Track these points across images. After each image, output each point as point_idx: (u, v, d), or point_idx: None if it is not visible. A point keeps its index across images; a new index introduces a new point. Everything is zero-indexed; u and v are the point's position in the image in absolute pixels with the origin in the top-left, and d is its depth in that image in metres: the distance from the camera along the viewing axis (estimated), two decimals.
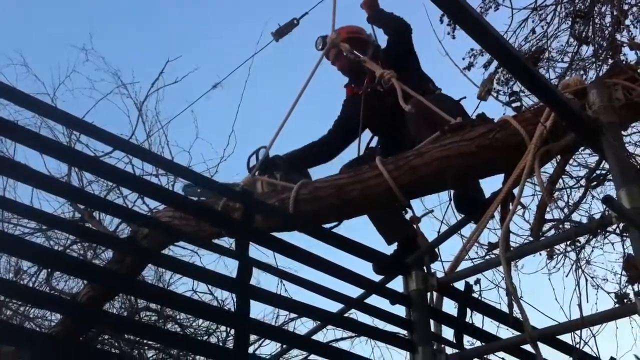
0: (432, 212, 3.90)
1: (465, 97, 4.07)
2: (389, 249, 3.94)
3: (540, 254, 3.78)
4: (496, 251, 3.16)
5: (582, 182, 4.85)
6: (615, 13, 6.62)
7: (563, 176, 3.79)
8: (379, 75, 3.95)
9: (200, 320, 6.30)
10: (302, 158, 4.22)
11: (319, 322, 3.64)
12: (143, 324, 4.64)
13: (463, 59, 6.68)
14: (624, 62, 6.30)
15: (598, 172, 3.62)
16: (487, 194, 3.52)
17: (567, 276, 4.01)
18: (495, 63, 6.65)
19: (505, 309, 2.99)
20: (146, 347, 5.98)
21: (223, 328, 6.30)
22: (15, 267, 5.96)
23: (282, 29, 4.13)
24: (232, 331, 6.23)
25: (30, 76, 6.71)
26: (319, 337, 3.45)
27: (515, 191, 3.04)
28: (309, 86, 3.96)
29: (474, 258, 4.53)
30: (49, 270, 5.36)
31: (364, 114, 4.10)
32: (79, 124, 2.64)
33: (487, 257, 4.53)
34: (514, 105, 3.03)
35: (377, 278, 3.45)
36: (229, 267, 5.83)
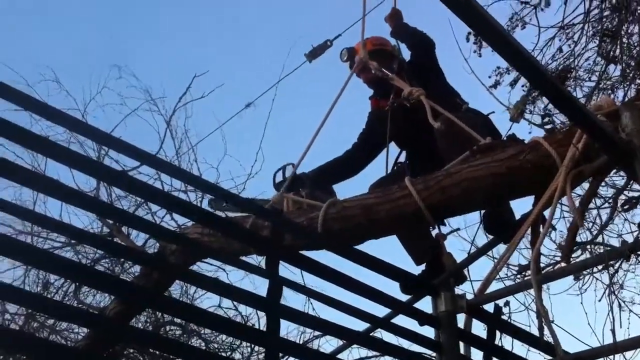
0: (458, 230, 3.89)
1: (493, 112, 4.05)
2: (417, 269, 3.94)
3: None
4: (527, 273, 3.14)
5: (610, 202, 4.83)
6: None
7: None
8: (407, 92, 3.95)
9: (224, 336, 6.31)
10: (328, 174, 4.23)
11: (344, 341, 3.63)
12: (168, 339, 4.66)
13: (489, 77, 6.68)
14: None
15: (627, 193, 3.60)
16: (517, 215, 3.51)
17: (599, 300, 3.99)
18: (521, 81, 6.65)
19: (535, 331, 2.97)
20: None
21: (246, 344, 6.31)
22: (43, 281, 6.02)
23: (315, 50, 4.16)
24: (256, 348, 6.31)
25: (61, 92, 6.80)
26: (344, 355, 3.43)
27: (546, 213, 3.02)
28: (338, 103, 3.98)
29: (503, 278, 4.52)
30: (77, 284, 5.41)
31: (390, 128, 4.11)
32: (108, 139, 2.66)
33: (517, 278, 4.51)
34: (546, 127, 3.02)
35: (404, 298, 3.44)
36: (254, 283, 5.85)
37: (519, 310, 3.69)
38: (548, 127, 3.03)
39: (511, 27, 6.73)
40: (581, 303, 4.46)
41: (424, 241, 3.82)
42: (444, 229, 3.67)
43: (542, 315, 2.78)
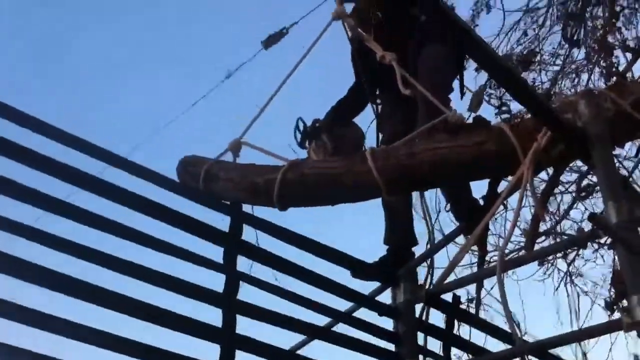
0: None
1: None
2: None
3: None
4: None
5: (572, 188, 4.86)
6: (607, 14, 6.62)
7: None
8: (379, 57, 3.85)
9: None
10: (341, 113, 4.14)
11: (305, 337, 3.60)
12: None
13: None
14: (615, 65, 6.32)
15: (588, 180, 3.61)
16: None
17: (557, 289, 4.01)
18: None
19: (494, 320, 2.99)
20: None
21: None
22: None
23: (271, 38, 4.10)
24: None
25: None
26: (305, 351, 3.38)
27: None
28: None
29: (472, 264, 4.53)
30: None
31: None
32: None
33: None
34: (503, 116, 3.01)
35: (366, 291, 3.41)
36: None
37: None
38: (505, 116, 3.01)
39: (476, 11, 6.73)
40: (555, 290, 4.47)
41: (405, 224, 3.80)
42: None
43: (506, 311, 2.77)
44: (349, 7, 4.03)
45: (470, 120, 3.30)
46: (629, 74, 5.59)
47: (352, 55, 4.21)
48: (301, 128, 3.74)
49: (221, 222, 3.20)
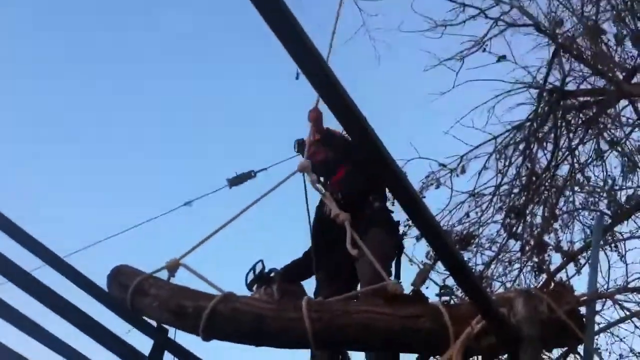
0: None
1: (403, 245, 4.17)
2: None
3: None
4: None
5: None
6: (546, 214, 6.99)
7: None
8: (333, 215, 3.92)
9: None
10: (292, 274, 4.16)
11: None
12: None
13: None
14: (547, 264, 6.60)
15: None
16: None
17: None
18: None
19: None
20: None
21: None
22: None
23: (238, 177, 4.16)
24: None
25: None
26: None
27: None
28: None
29: None
30: None
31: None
32: None
33: None
34: (443, 298, 3.07)
35: None
36: None
37: None
38: (445, 298, 3.08)
39: (426, 184, 7.03)
40: None
41: None
42: None
43: None
44: None
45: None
46: (560, 275, 5.82)
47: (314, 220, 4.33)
48: (257, 270, 3.74)
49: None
